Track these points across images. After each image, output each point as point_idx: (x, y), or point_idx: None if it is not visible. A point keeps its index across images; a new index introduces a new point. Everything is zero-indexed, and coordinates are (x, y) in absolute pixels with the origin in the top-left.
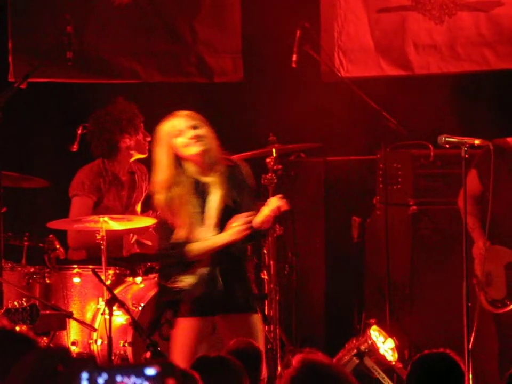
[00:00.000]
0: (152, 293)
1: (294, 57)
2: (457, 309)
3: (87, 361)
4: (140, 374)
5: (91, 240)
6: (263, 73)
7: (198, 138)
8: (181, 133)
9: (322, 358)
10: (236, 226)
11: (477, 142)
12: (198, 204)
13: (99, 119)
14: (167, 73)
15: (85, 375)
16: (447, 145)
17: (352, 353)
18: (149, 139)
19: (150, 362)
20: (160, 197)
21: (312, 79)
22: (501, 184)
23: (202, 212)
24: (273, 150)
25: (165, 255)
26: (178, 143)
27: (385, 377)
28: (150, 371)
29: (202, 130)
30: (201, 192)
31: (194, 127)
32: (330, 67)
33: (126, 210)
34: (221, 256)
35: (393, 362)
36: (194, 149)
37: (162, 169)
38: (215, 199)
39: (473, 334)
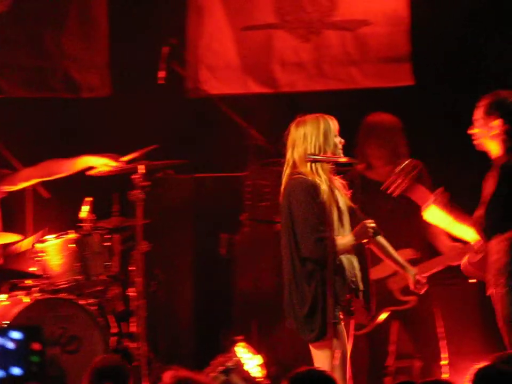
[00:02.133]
0: (16, 310)
1: (161, 74)
2: None
3: None
4: (4, 334)
5: None
6: (131, 88)
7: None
8: (336, 134)
9: (192, 374)
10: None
11: (342, 159)
12: (335, 204)
13: None
14: (32, 88)
15: None
16: (313, 163)
17: (219, 370)
18: None
19: (15, 326)
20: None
21: (181, 95)
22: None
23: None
24: (141, 167)
25: (321, 247)
26: (337, 141)
27: None
28: (16, 334)
29: None
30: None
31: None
32: (196, 84)
33: None
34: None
35: (261, 379)
36: (340, 152)
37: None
38: (342, 200)
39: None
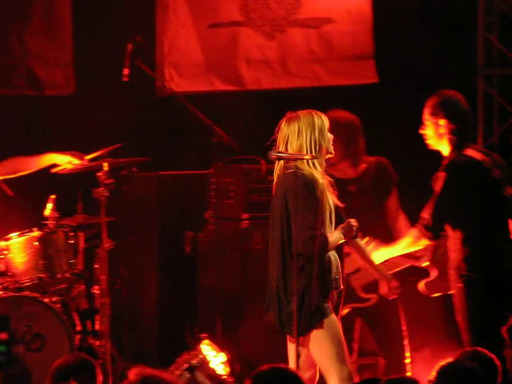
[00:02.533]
0: None
1: (126, 71)
2: None
3: None
4: None
5: None
6: (95, 86)
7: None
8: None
9: (157, 372)
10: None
11: (306, 157)
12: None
13: None
14: None
15: None
16: (278, 160)
17: (184, 368)
18: None
19: None
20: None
21: (145, 93)
22: None
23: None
24: (105, 164)
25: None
26: (330, 137)
27: None
28: None
29: None
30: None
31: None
32: (161, 82)
33: None
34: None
35: (225, 377)
36: (332, 149)
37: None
38: (330, 198)
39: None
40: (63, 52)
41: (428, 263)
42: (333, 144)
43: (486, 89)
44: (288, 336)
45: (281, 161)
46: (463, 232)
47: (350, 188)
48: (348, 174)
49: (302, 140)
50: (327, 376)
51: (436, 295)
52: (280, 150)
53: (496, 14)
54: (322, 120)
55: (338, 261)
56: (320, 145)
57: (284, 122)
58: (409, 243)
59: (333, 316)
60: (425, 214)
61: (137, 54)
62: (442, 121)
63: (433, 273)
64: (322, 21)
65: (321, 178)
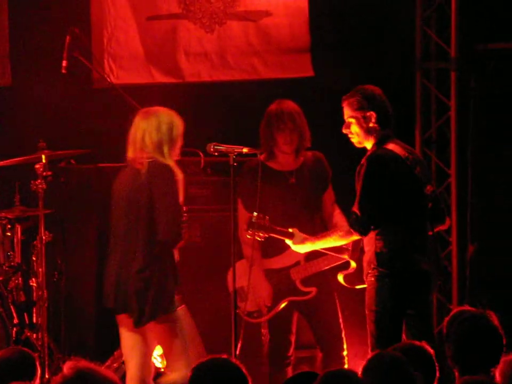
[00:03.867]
0: None
1: (64, 63)
2: (226, 316)
3: None
4: None
5: None
6: (32, 78)
7: None
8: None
9: (92, 365)
10: None
11: (245, 150)
12: None
13: None
14: None
15: None
16: (216, 153)
17: (121, 361)
18: None
19: None
20: None
21: (84, 85)
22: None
23: None
24: (43, 156)
25: (178, 231)
26: (181, 137)
27: None
28: None
29: None
30: None
31: None
32: (101, 73)
33: None
34: None
35: (162, 369)
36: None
37: None
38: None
39: (240, 341)
40: None
41: (347, 256)
42: (289, 135)
43: (424, 83)
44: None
45: (136, 151)
46: (377, 226)
47: (290, 180)
48: (288, 166)
49: (161, 135)
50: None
51: (357, 287)
52: (137, 144)
53: (435, 8)
54: (178, 120)
55: None
56: (176, 143)
57: (141, 117)
58: (339, 237)
59: (181, 309)
60: (354, 208)
61: (75, 45)
62: (369, 114)
63: (352, 266)
64: (260, 14)
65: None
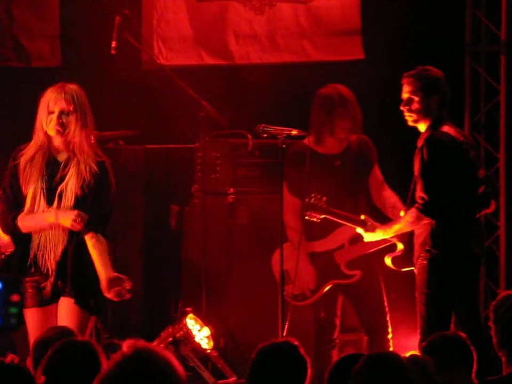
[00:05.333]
0: None
1: (113, 44)
2: (273, 298)
3: None
4: None
5: None
6: (82, 59)
7: (61, 125)
8: (51, 110)
9: (151, 345)
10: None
11: (294, 132)
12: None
13: None
14: None
15: None
16: (265, 135)
17: (168, 342)
18: None
19: None
20: None
21: (132, 66)
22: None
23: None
24: (91, 137)
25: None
26: (51, 117)
27: (201, 366)
28: None
29: (69, 118)
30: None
31: (62, 112)
32: (150, 55)
33: None
34: None
35: (209, 351)
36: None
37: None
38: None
39: (287, 323)
40: (49, 23)
41: (394, 237)
42: (346, 120)
43: (473, 66)
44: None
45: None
46: (444, 209)
47: (335, 163)
48: (333, 149)
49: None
50: None
51: (404, 269)
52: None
53: None
54: (45, 96)
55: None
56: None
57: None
58: (410, 223)
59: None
60: (421, 193)
61: (125, 26)
62: (433, 96)
63: (400, 248)
64: None
65: None
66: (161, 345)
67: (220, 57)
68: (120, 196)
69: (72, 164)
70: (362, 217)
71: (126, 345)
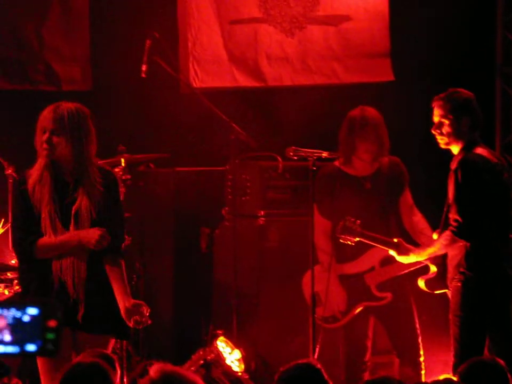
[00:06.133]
0: None
1: (143, 67)
2: (303, 320)
3: None
4: (21, 309)
5: None
6: (113, 82)
7: (49, 145)
8: (43, 130)
9: (178, 368)
10: None
11: (324, 154)
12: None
13: None
14: (13, 80)
15: None
16: (296, 158)
17: (199, 364)
18: None
19: (32, 301)
20: None
21: (162, 89)
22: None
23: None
24: (122, 160)
25: None
26: (42, 139)
27: None
28: (32, 310)
29: (59, 139)
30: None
31: (52, 132)
32: (178, 77)
33: None
34: None
35: (240, 373)
36: (42, 154)
37: None
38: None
39: (318, 345)
40: (80, 47)
41: (427, 260)
42: (370, 143)
43: (504, 88)
44: None
45: None
46: (479, 232)
47: (366, 185)
48: (364, 171)
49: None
50: None
51: (437, 292)
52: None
53: None
54: (40, 118)
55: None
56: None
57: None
58: (444, 246)
59: None
60: (456, 216)
61: (155, 49)
62: (463, 118)
63: (433, 270)
64: (340, 18)
65: None
66: (192, 368)
67: (253, 79)
68: (150, 219)
69: (80, 183)
70: (395, 240)
71: (154, 370)
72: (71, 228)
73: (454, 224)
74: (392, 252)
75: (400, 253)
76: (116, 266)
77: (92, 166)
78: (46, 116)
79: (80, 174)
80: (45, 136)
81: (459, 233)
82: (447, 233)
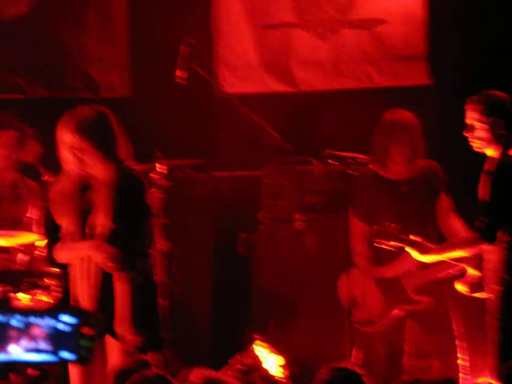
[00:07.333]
0: None
1: (178, 73)
2: (341, 324)
3: None
4: (55, 317)
5: None
6: (151, 89)
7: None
8: (65, 145)
9: (219, 374)
10: None
11: (360, 157)
12: None
13: None
14: (52, 88)
15: None
16: (331, 161)
17: (237, 369)
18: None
19: (68, 309)
20: None
21: (198, 95)
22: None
23: None
24: (157, 165)
25: None
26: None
27: None
28: (67, 318)
29: (85, 151)
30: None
31: (74, 147)
32: (213, 82)
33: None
34: None
35: (277, 378)
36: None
37: None
38: None
39: (355, 349)
40: (119, 54)
41: (465, 263)
42: (403, 146)
43: None
44: None
45: None
46: (509, 234)
47: (402, 189)
48: (400, 174)
49: None
50: None
51: (475, 295)
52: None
53: None
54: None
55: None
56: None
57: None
58: (466, 246)
59: None
60: (484, 217)
61: (192, 55)
62: (498, 121)
63: (470, 273)
64: (374, 21)
65: None
66: (230, 373)
67: (285, 84)
68: (188, 224)
69: (102, 192)
70: (415, 239)
71: (195, 375)
72: (87, 236)
73: (481, 226)
74: (410, 251)
75: (420, 251)
76: (123, 286)
77: (120, 169)
78: (63, 129)
79: (103, 181)
80: (68, 152)
81: (482, 233)
82: (470, 234)
